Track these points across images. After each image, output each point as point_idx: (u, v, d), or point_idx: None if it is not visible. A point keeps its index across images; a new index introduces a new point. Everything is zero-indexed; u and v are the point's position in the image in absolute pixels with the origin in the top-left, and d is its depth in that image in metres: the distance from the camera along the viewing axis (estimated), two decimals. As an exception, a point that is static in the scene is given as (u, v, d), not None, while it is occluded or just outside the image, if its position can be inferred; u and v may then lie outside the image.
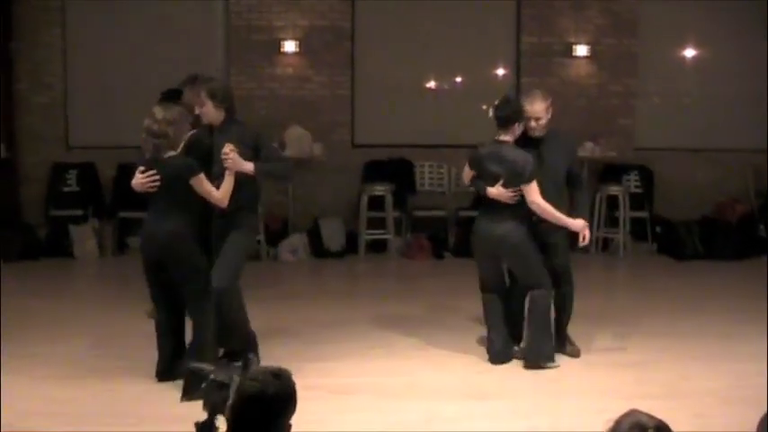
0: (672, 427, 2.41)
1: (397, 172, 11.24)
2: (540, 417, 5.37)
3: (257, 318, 6.66)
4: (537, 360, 6.27)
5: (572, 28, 11.64)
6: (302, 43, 11.27)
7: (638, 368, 6.37)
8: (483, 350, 6.69)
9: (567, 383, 6.04)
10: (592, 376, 6.20)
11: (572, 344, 6.67)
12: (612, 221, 11.04)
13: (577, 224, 6.31)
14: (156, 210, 5.71)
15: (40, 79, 11.14)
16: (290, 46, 11.24)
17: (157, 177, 5.60)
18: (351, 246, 10.87)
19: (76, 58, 11.25)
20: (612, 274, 10.74)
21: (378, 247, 10.95)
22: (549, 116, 6.40)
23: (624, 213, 10.81)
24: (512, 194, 6.15)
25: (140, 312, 7.19)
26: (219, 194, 5.74)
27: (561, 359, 6.50)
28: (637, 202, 11.27)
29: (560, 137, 6.58)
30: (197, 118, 6.11)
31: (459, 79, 12.04)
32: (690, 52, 12.15)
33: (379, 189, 10.75)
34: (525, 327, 6.34)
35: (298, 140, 10.80)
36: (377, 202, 10.76)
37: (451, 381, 6.06)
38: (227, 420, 2.74)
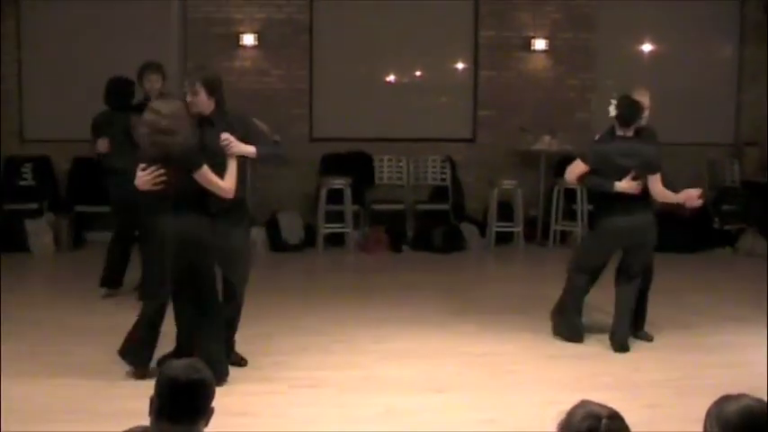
0: (624, 417, 2.44)
1: (355, 165, 11.24)
2: (496, 409, 5.42)
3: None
4: (626, 341, 6.67)
5: (530, 22, 11.70)
6: (260, 36, 11.22)
7: (592, 360, 6.45)
8: (440, 343, 6.75)
9: (523, 376, 6.09)
10: (548, 368, 6.26)
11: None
12: (570, 214, 11.13)
13: (689, 194, 6.82)
14: (171, 208, 5.53)
15: (-7, 72, 10.99)
16: (248, 39, 11.19)
17: (164, 173, 5.46)
18: (309, 239, 10.86)
19: (31, 51, 11.11)
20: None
21: (336, 240, 10.95)
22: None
23: (582, 206, 10.90)
24: (639, 186, 6.55)
25: (97, 308, 7.14)
26: (226, 184, 5.56)
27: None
28: (593, 196, 11.34)
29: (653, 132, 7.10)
30: None
31: (417, 73, 12.07)
32: (647, 47, 12.28)
33: (338, 182, 10.74)
34: (622, 314, 6.72)
35: (256, 134, 10.76)
36: (335, 196, 10.76)
37: (410, 374, 6.09)
38: (152, 409, 2.78)
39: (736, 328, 7.21)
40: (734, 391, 2.60)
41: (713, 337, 7.05)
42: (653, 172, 6.59)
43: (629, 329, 6.79)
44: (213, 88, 5.73)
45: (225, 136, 5.64)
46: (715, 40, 12.36)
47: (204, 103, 5.72)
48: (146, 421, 2.84)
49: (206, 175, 5.49)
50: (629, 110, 6.65)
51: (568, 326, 6.91)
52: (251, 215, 6.48)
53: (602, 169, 6.62)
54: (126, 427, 2.85)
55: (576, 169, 6.79)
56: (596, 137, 7.12)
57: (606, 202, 6.71)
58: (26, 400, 5.39)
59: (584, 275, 6.87)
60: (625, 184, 6.54)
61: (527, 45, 11.67)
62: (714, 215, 11.48)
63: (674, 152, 12.01)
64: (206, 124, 5.76)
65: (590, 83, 11.80)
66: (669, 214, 11.27)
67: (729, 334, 7.11)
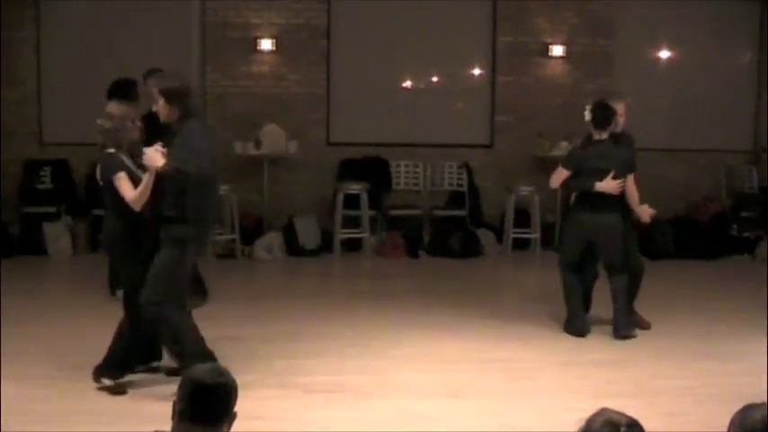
0: (643, 425, 2.43)
1: (372, 170, 11.25)
2: (512, 415, 5.40)
3: (232, 316, 6.68)
4: (627, 330, 7.11)
5: (548, 28, 11.70)
6: (278, 41, 11.25)
7: (609, 367, 6.42)
8: (456, 348, 6.74)
9: (539, 382, 6.07)
10: (565, 375, 6.23)
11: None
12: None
13: (643, 210, 7.28)
14: (104, 205, 5.77)
15: (13, 75, 11.04)
16: (266, 44, 11.22)
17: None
18: (326, 244, 10.86)
19: (50, 55, 11.17)
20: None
21: (353, 245, 10.95)
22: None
23: (598, 213, 10.85)
24: (620, 185, 6.99)
25: (113, 310, 7.14)
26: (131, 195, 5.41)
27: (539, 362, 6.55)
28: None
29: (626, 134, 7.42)
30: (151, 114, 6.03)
31: (434, 78, 12.07)
32: (664, 53, 12.24)
33: (355, 187, 10.75)
34: (613, 305, 7.17)
35: (273, 138, 10.78)
36: (352, 201, 10.76)
37: (426, 379, 6.07)
38: (175, 412, 2.79)
39: (755, 336, 7.14)
40: (754, 399, 2.58)
41: (732, 345, 7.00)
42: (631, 171, 7.09)
43: (628, 318, 7.20)
44: (171, 97, 5.64)
45: (156, 147, 5.37)
46: (733, 46, 12.30)
47: (164, 110, 5.67)
48: (162, 424, 2.84)
49: (119, 180, 5.46)
50: (602, 114, 7.05)
51: (571, 321, 7.26)
52: (185, 235, 5.50)
53: (581, 172, 7.07)
54: (143, 430, 2.85)
55: (559, 176, 7.25)
56: (578, 143, 7.57)
57: (577, 201, 7.26)
58: (42, 402, 5.41)
59: (570, 272, 7.29)
60: (605, 185, 6.98)
61: (544, 50, 11.65)
62: (732, 222, 11.43)
63: (692, 158, 12.03)
64: (168, 132, 5.68)
65: (608, 88, 11.73)
66: (687, 221, 11.29)
67: (748, 342, 7.06)
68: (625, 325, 7.15)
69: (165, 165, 5.29)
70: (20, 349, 6.42)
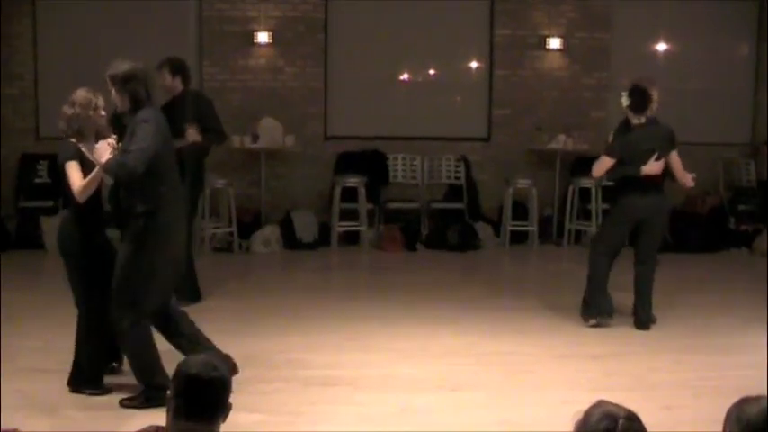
0: (641, 418, 2.43)
1: (370, 164, 11.25)
2: (510, 408, 5.40)
3: (230, 310, 6.68)
4: (649, 322, 7.20)
5: (545, 21, 11.69)
6: (275, 35, 11.23)
7: (607, 360, 6.42)
8: (455, 342, 6.74)
9: (538, 375, 6.07)
10: (563, 368, 6.23)
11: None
12: (585, 214, 11.11)
13: (687, 178, 7.34)
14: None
15: (10, 70, 11.03)
16: (262, 37, 11.21)
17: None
18: (323, 237, 10.86)
19: (47, 49, 11.16)
20: (585, 267, 10.78)
21: (350, 238, 10.96)
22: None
23: (596, 206, 10.87)
24: (662, 165, 7.11)
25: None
26: (76, 186, 5.19)
27: (531, 353, 6.55)
28: (609, 194, 11.32)
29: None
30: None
31: (432, 72, 12.06)
32: (662, 46, 12.24)
33: (352, 181, 10.75)
34: (638, 295, 7.24)
35: (270, 132, 10.78)
36: (350, 194, 10.75)
37: (424, 373, 6.07)
38: (170, 408, 2.77)
39: (753, 329, 7.15)
40: (752, 392, 2.58)
41: (730, 338, 7.01)
42: (674, 147, 7.19)
43: (650, 309, 7.23)
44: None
45: (109, 141, 5.12)
46: (731, 40, 12.30)
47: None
48: (160, 419, 2.84)
49: (69, 169, 5.25)
50: (640, 98, 7.07)
51: (596, 307, 7.27)
52: (145, 234, 5.15)
53: (629, 157, 7.07)
54: (143, 424, 2.84)
55: (603, 165, 7.22)
56: (611, 134, 7.41)
57: (625, 185, 7.18)
58: (43, 396, 5.41)
59: (604, 258, 7.27)
60: (649, 168, 7.05)
61: (542, 44, 11.65)
62: (730, 215, 11.44)
63: (690, 152, 11.92)
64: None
65: (605, 82, 11.77)
66: (685, 214, 11.30)
67: (746, 335, 7.07)
68: (648, 318, 7.22)
69: (107, 162, 5.01)
70: (18, 344, 6.42)
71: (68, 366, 5.58)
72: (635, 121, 7.12)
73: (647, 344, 6.81)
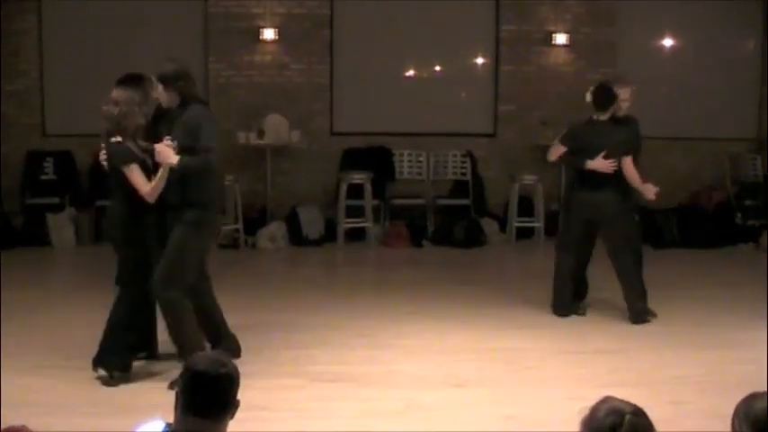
0: (647, 413, 2.43)
1: (375, 160, 11.24)
2: (516, 405, 5.40)
3: (236, 306, 6.68)
4: (643, 315, 7.21)
5: (551, 17, 11.66)
6: (280, 31, 11.23)
7: (612, 356, 6.42)
8: (460, 338, 6.75)
9: (544, 372, 6.07)
10: (569, 364, 6.24)
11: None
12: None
13: (647, 188, 7.29)
14: (109, 190, 5.86)
15: (15, 67, 11.03)
16: (268, 33, 11.20)
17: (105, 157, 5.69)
18: (329, 234, 10.86)
19: (53, 45, 11.15)
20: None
21: (356, 235, 10.95)
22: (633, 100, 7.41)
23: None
24: (611, 165, 7.08)
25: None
26: (147, 188, 5.52)
27: (536, 349, 6.55)
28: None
29: (633, 119, 7.52)
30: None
31: (438, 67, 12.04)
32: (667, 42, 12.21)
33: (358, 177, 10.74)
34: (623, 290, 7.31)
35: (276, 128, 10.78)
36: (355, 191, 10.75)
37: (430, 369, 6.08)
38: (178, 404, 2.77)
39: (759, 325, 7.13)
40: (758, 388, 2.58)
41: (736, 333, 7.00)
42: (626, 153, 7.13)
43: (641, 300, 7.26)
44: (167, 82, 5.70)
45: (167, 143, 5.53)
46: (737, 35, 12.26)
47: (162, 96, 5.73)
48: (166, 414, 2.84)
49: (132, 172, 5.54)
50: (603, 95, 7.20)
51: (554, 302, 7.47)
52: (203, 220, 5.71)
53: (577, 149, 7.23)
54: (149, 420, 2.84)
55: (555, 150, 7.46)
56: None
57: (577, 179, 7.37)
58: (48, 393, 5.43)
59: (566, 253, 7.42)
60: (596, 163, 7.10)
61: (548, 39, 11.63)
62: (737, 210, 11.42)
63: (696, 147, 12.00)
64: (168, 118, 5.76)
65: (610, 77, 11.72)
66: (692, 210, 11.28)
67: (752, 330, 7.04)
68: (640, 310, 7.23)
69: (184, 161, 5.46)
70: (24, 341, 6.44)
71: (74, 362, 5.61)
72: (595, 117, 7.24)
73: (652, 339, 6.81)
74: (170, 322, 5.73)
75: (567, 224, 7.56)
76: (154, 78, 5.75)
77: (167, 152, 5.47)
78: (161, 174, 5.50)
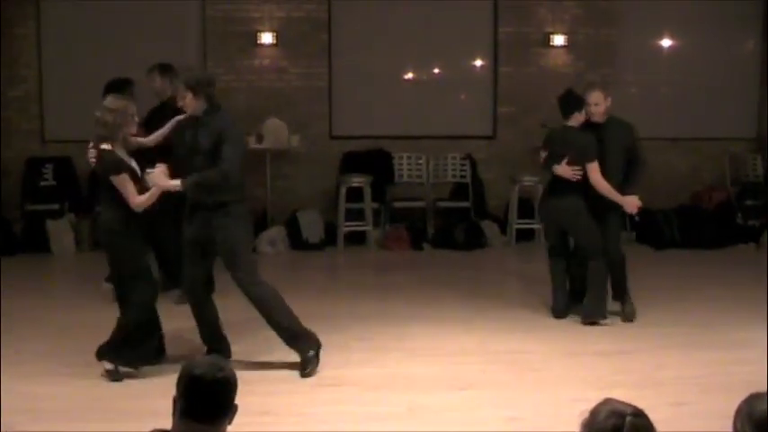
0: (649, 415, 2.42)
1: (375, 163, 11.23)
2: (519, 407, 5.39)
3: (237, 310, 6.65)
4: (592, 317, 7.17)
5: (549, 18, 11.66)
6: (279, 35, 11.23)
7: (615, 358, 6.41)
8: (462, 341, 6.74)
9: (546, 374, 6.06)
10: (571, 366, 6.22)
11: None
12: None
13: (627, 201, 7.17)
14: (100, 196, 5.95)
15: (14, 73, 11.03)
16: (266, 38, 11.20)
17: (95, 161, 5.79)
18: (329, 237, 10.86)
19: (51, 51, 11.15)
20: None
21: (357, 238, 10.95)
22: (608, 104, 7.26)
23: (602, 202, 10.83)
24: (575, 172, 7.04)
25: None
26: (137, 201, 5.63)
27: (540, 351, 6.54)
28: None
29: (619, 123, 7.34)
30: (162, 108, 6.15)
31: (436, 70, 12.04)
32: (666, 42, 12.21)
33: (358, 180, 10.74)
34: (587, 290, 7.25)
35: (275, 132, 10.77)
36: (355, 194, 10.75)
37: (432, 372, 6.07)
38: (176, 409, 2.77)
39: (761, 325, 7.12)
40: (760, 388, 2.57)
41: (738, 334, 6.99)
42: (586, 160, 7.06)
43: (597, 305, 7.20)
44: (196, 89, 5.76)
45: (160, 168, 5.76)
46: (737, 35, 12.26)
47: (192, 104, 5.79)
48: (168, 422, 2.83)
49: (121, 182, 5.62)
50: (567, 101, 7.27)
51: (554, 304, 7.46)
52: (244, 213, 6.08)
53: (550, 154, 7.29)
54: (151, 427, 2.83)
55: (541, 154, 7.50)
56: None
57: (548, 185, 7.47)
58: (50, 400, 5.41)
59: (555, 257, 7.46)
60: (560, 169, 7.12)
61: (546, 41, 11.63)
62: (737, 210, 11.41)
63: (697, 147, 12.00)
64: (198, 124, 5.85)
65: (610, 78, 11.71)
66: (692, 210, 11.27)
67: (754, 330, 7.03)
68: (590, 312, 7.20)
69: (183, 184, 5.67)
70: (25, 347, 6.43)
71: (74, 369, 5.60)
72: (564, 123, 7.27)
73: (654, 341, 6.80)
74: (268, 314, 5.99)
75: (544, 228, 7.69)
76: (182, 87, 5.84)
77: (160, 178, 5.67)
78: (153, 192, 5.66)
